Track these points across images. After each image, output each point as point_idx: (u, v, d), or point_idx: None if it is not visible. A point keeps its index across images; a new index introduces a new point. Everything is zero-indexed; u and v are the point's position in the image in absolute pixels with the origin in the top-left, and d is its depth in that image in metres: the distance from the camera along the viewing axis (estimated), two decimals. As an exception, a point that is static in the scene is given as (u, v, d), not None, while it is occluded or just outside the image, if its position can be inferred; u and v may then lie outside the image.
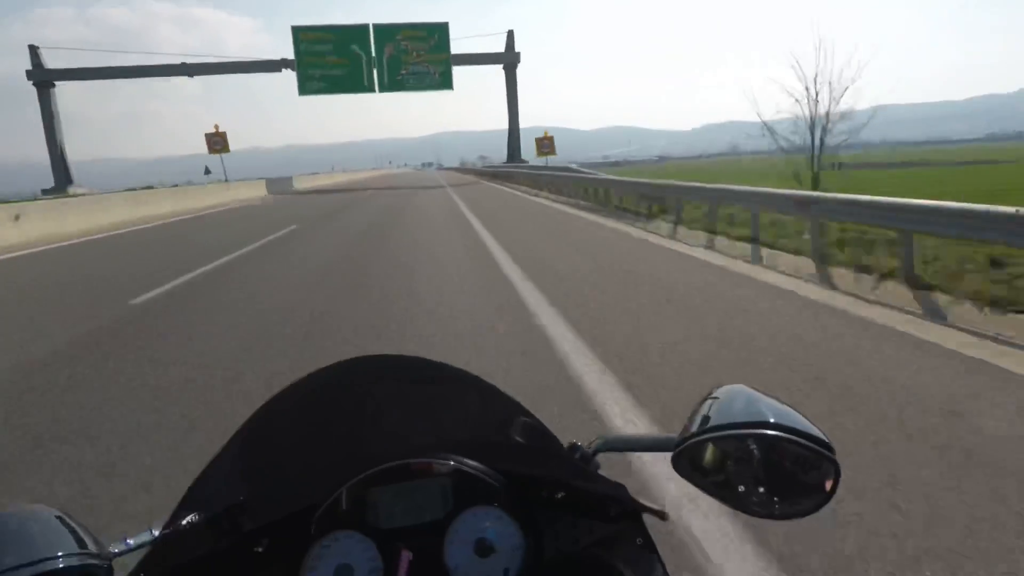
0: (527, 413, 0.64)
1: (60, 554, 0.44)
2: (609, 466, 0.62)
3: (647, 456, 1.95)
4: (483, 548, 0.52)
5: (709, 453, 0.53)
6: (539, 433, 0.63)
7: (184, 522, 0.53)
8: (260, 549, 0.49)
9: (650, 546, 0.55)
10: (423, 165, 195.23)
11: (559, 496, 0.54)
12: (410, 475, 0.52)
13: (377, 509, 0.51)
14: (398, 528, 0.51)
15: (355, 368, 0.64)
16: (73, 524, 0.47)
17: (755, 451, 0.51)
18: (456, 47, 36.34)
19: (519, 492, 0.53)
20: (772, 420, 0.51)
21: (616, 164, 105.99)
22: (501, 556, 0.52)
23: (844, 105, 13.19)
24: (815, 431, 0.51)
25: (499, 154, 47.32)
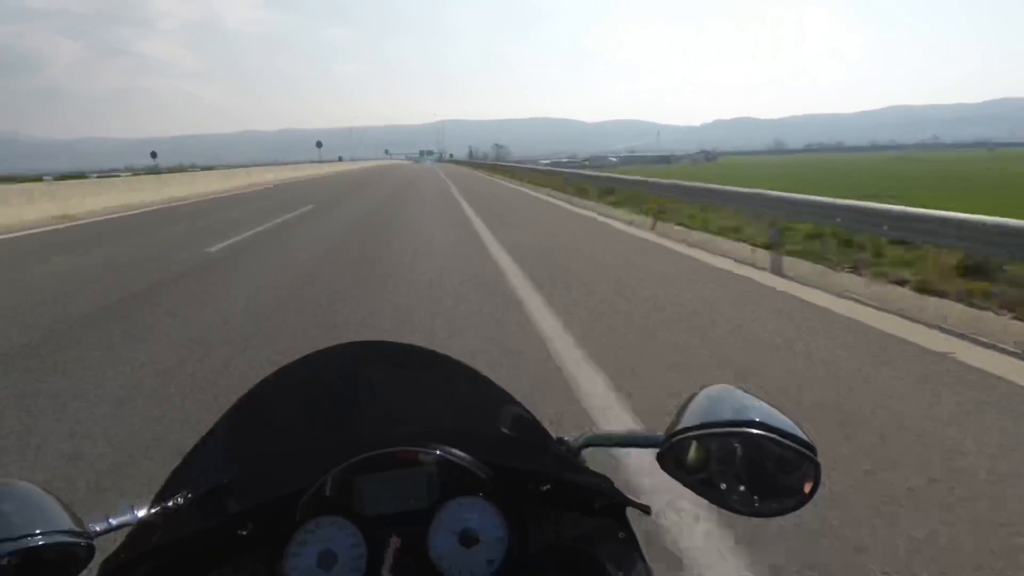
0: (517, 404, 0.66)
1: (39, 531, 0.44)
2: (594, 462, 0.65)
3: (632, 452, 2.03)
4: (467, 538, 0.53)
5: (693, 451, 0.55)
6: (528, 424, 0.65)
7: (168, 503, 0.54)
8: (244, 532, 0.50)
9: (632, 541, 0.57)
10: (421, 155, 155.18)
11: (544, 489, 0.55)
12: (396, 463, 0.53)
13: (363, 496, 0.52)
14: (383, 515, 0.52)
15: (347, 353, 0.65)
16: (53, 501, 0.48)
17: (738, 450, 0.53)
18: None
19: (505, 484, 0.54)
20: (756, 420, 0.53)
21: (631, 160, 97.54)
22: (485, 547, 0.53)
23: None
24: (798, 432, 0.53)
25: (519, 144, 47.24)
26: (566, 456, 0.62)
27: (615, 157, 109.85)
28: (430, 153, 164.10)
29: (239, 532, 0.50)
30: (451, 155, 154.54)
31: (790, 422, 0.54)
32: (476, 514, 0.53)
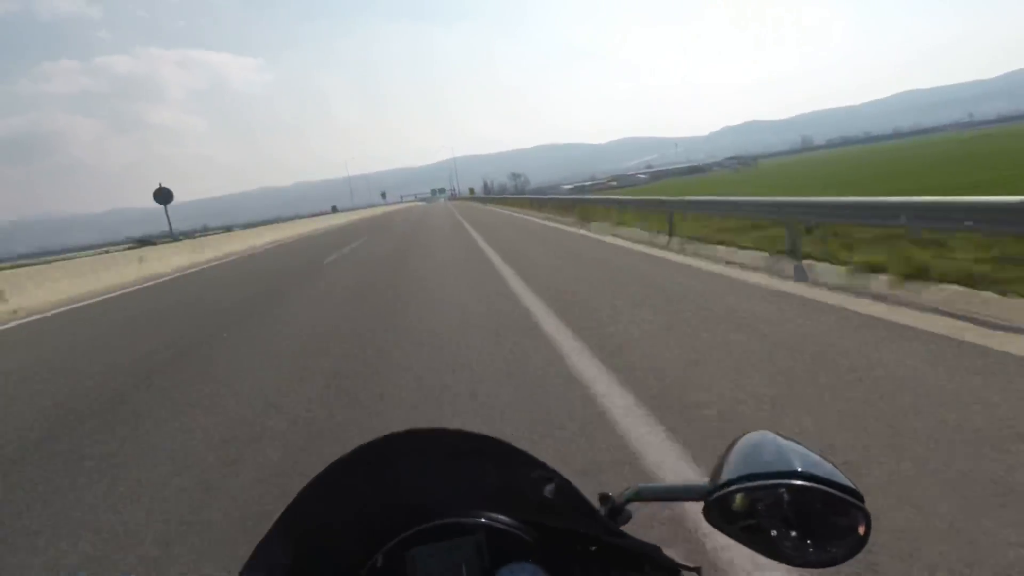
0: (559, 475, 0.65)
1: None
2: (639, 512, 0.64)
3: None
4: None
5: (738, 500, 0.55)
6: (569, 492, 0.65)
7: None
8: None
9: None
10: (433, 193, 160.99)
11: (592, 550, 0.58)
12: (445, 534, 0.56)
13: (416, 568, 0.55)
14: None
15: (393, 443, 0.66)
16: None
17: (785, 496, 0.53)
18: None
19: (553, 547, 0.57)
20: (800, 469, 0.53)
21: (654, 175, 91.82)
22: None
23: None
24: (842, 479, 0.53)
25: (531, 173, 45.96)
26: (611, 523, 0.63)
27: (643, 173, 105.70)
28: (442, 191, 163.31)
29: None
30: (471, 189, 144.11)
31: (833, 467, 0.54)
32: None
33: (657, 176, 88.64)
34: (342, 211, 47.14)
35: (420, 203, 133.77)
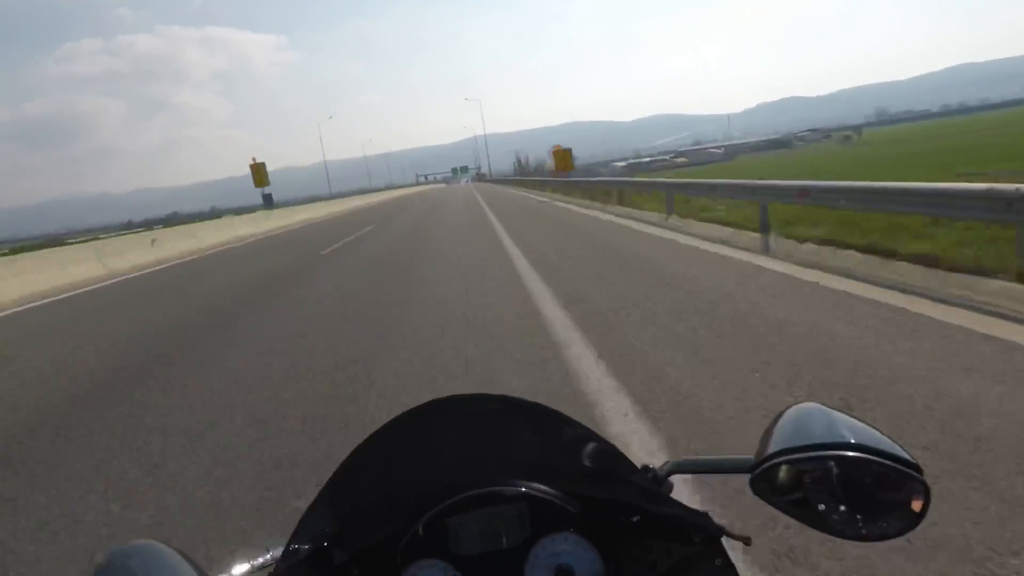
0: (601, 440, 0.65)
1: None
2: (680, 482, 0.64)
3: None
4: (563, 573, 0.55)
5: (784, 472, 0.53)
6: (613, 458, 0.64)
7: (284, 560, 0.58)
8: None
9: (730, 567, 0.57)
10: (455, 172, 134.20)
11: (635, 520, 0.57)
12: (487, 503, 0.56)
13: (458, 537, 0.56)
14: (478, 554, 0.56)
15: (431, 409, 0.66)
16: (179, 558, 0.53)
17: (833, 469, 0.51)
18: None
19: (595, 517, 0.57)
20: (853, 440, 0.51)
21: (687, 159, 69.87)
22: None
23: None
24: (899, 450, 0.50)
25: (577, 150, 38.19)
26: (655, 486, 0.62)
27: (719, 148, 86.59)
28: (465, 170, 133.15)
29: None
30: (480, 173, 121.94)
31: (887, 439, 0.51)
32: (569, 548, 0.56)
33: (730, 153, 74.17)
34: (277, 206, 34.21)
35: (439, 185, 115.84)
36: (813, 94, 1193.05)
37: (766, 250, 7.18)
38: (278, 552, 0.59)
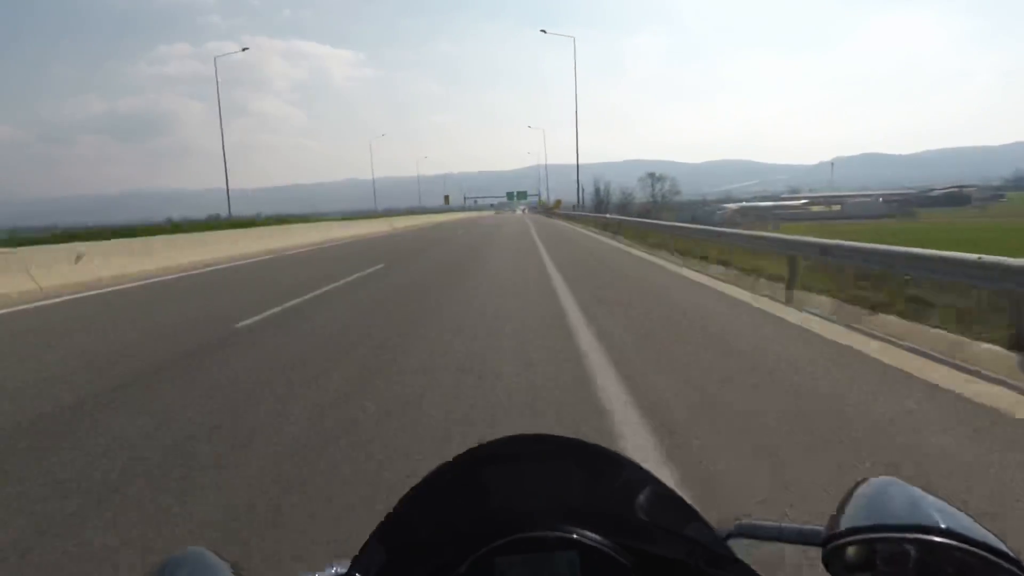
0: (662, 485, 0.63)
1: None
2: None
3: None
4: None
5: (853, 549, 0.49)
6: (674, 507, 0.62)
7: None
8: None
9: None
10: (510, 197, 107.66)
11: None
12: (535, 547, 0.55)
13: None
14: None
15: (490, 449, 0.65)
16: (226, 568, 0.55)
17: (911, 552, 0.47)
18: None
19: (650, 573, 0.55)
20: (942, 525, 0.47)
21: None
22: None
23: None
24: (992, 539, 0.46)
25: (616, 188, 33.93)
26: (721, 547, 0.59)
27: (869, 196, 66.51)
28: (523, 195, 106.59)
29: None
30: (540, 202, 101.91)
31: (977, 525, 0.48)
32: None
33: (904, 205, 54.19)
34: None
35: (486, 213, 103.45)
36: (894, 152, 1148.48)
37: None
38: (329, 572, 0.60)
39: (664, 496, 0.62)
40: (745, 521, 0.61)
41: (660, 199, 59.06)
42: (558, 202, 78.89)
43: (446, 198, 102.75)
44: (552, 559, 0.54)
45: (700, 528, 0.60)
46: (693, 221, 25.54)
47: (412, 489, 0.62)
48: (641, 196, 61.02)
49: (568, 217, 48.01)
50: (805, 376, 4.53)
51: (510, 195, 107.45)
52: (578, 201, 52.60)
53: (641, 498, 0.62)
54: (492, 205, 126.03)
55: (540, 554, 0.54)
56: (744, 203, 58.97)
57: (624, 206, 46.30)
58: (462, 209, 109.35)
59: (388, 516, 0.62)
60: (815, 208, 53.63)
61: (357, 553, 0.60)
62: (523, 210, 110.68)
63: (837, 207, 51.79)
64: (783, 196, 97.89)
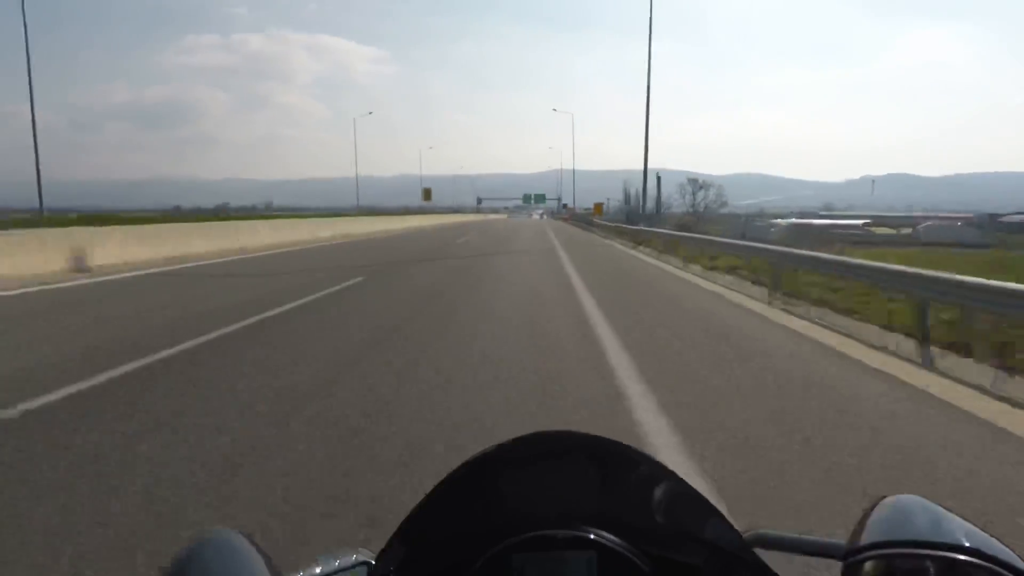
0: (688, 488, 0.62)
1: None
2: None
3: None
4: None
5: (872, 565, 0.49)
6: (698, 509, 0.61)
7: None
8: None
9: None
10: (526, 200, 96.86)
11: None
12: (553, 546, 0.55)
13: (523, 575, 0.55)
14: None
15: (515, 445, 0.65)
16: (252, 549, 0.54)
17: (930, 569, 0.47)
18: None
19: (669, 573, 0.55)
20: (964, 543, 0.47)
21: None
22: None
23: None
24: (1015, 559, 0.46)
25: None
26: (745, 552, 0.59)
27: (952, 221, 48.87)
28: (540, 199, 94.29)
29: None
30: (562, 207, 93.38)
31: (1002, 545, 0.47)
32: None
33: (983, 232, 38.32)
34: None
35: (500, 217, 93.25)
36: (925, 173, 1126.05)
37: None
38: (347, 560, 0.59)
39: (687, 496, 0.60)
40: (764, 531, 0.60)
41: (703, 209, 51.44)
42: (598, 207, 60.68)
43: (426, 192, 71.44)
44: (569, 559, 0.54)
45: (723, 531, 0.58)
46: (743, 237, 22.45)
47: (434, 489, 0.61)
48: (680, 206, 52.93)
49: (618, 232, 31.24)
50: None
51: (527, 198, 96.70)
52: (640, 207, 38.22)
53: (663, 498, 0.61)
54: (506, 208, 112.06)
55: (557, 553, 0.54)
56: (794, 219, 50.35)
57: (651, 217, 31.57)
58: (454, 211, 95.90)
59: (410, 515, 0.61)
60: (878, 230, 44.64)
61: (383, 548, 0.60)
62: (541, 215, 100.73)
63: (907, 230, 42.94)
64: (820, 213, 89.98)
